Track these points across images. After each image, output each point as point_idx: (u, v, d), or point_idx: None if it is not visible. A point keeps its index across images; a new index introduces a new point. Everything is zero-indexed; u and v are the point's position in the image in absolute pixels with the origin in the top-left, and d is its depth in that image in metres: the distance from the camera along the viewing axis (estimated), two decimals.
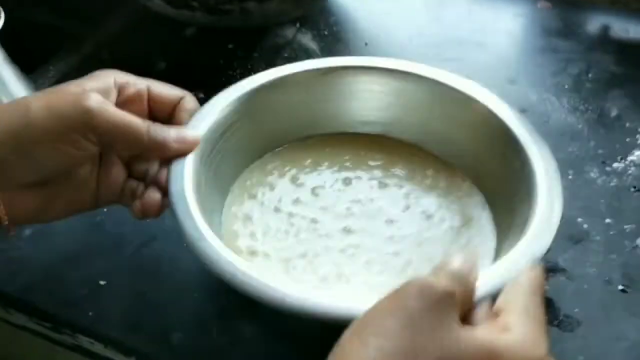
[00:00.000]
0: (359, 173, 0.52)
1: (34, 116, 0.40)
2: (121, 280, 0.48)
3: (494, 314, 0.35)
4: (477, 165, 0.51)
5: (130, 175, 0.46)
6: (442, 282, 0.33)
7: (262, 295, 0.38)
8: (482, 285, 0.37)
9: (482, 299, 0.36)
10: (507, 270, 0.40)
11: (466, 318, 0.34)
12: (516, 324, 0.34)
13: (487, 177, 0.50)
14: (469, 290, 0.35)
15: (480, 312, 0.35)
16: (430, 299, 0.32)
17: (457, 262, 0.35)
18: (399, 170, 0.52)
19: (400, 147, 0.54)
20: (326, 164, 0.53)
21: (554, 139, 0.53)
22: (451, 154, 0.52)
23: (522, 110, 0.59)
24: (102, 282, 0.48)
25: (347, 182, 0.52)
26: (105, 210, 0.51)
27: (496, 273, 0.40)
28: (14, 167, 0.41)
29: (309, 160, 0.53)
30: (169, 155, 0.45)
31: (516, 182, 0.47)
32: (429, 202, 0.50)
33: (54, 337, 0.48)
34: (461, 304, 0.34)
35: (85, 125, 0.41)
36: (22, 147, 0.40)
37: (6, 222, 0.42)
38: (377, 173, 0.52)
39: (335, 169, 0.53)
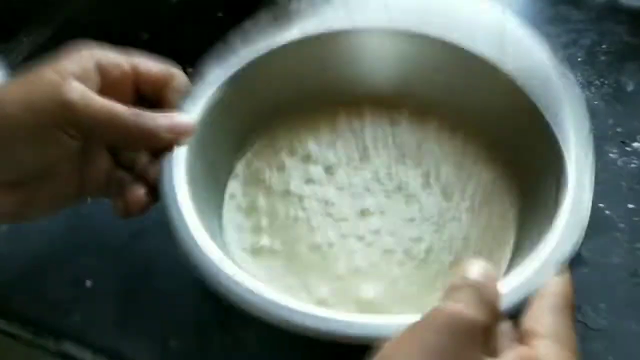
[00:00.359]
0: (376, 146, 0.48)
1: (9, 111, 0.36)
2: (109, 280, 0.44)
3: (520, 337, 0.31)
4: (498, 135, 0.47)
5: (118, 164, 0.42)
6: (471, 312, 0.29)
7: (266, 313, 0.35)
8: (506, 296, 0.33)
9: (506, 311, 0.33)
10: (534, 275, 0.36)
11: (488, 342, 0.30)
12: (546, 353, 0.30)
13: (509, 149, 0.47)
14: (494, 312, 0.31)
15: (504, 336, 0.31)
16: (458, 332, 0.29)
17: (475, 274, 0.31)
18: (416, 143, 0.48)
19: (417, 115, 0.49)
20: (340, 137, 0.49)
21: None
22: (470, 123, 0.48)
23: None
24: (88, 283, 0.44)
25: (364, 157, 0.48)
26: (89, 201, 0.47)
27: (521, 279, 0.35)
28: None
29: (320, 134, 0.49)
30: (162, 146, 0.40)
31: (542, 158, 0.43)
32: (448, 178, 0.47)
33: (38, 343, 0.43)
34: (486, 330, 0.30)
35: (65, 120, 0.37)
36: None
37: None
38: (395, 146, 0.48)
39: (351, 142, 0.48)
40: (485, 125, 0.48)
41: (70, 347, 0.42)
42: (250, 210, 0.45)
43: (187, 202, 0.39)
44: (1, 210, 0.39)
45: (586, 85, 0.58)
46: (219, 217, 0.44)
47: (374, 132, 0.49)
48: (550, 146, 0.42)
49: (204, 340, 0.41)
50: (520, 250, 0.42)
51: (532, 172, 0.44)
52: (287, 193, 0.46)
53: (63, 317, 0.42)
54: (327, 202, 0.45)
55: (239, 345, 0.41)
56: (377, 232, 0.44)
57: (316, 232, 0.44)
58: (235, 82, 0.45)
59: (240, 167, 0.47)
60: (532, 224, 0.42)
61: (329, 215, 0.45)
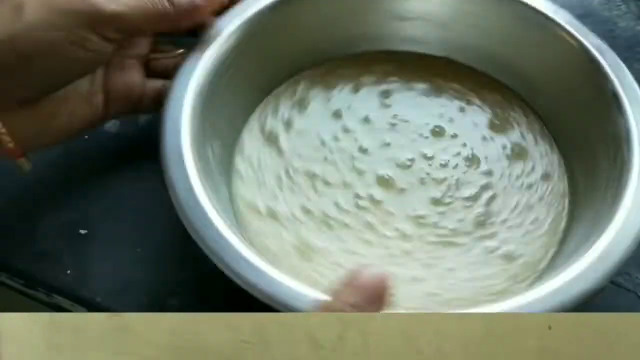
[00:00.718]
0: (408, 113, 0.43)
1: (31, 14, 0.33)
2: (106, 229, 0.40)
3: None
4: (554, 108, 0.42)
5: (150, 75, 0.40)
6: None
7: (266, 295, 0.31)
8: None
9: None
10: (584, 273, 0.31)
11: None
12: None
13: (566, 121, 0.41)
14: None
15: None
16: None
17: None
18: (457, 111, 0.43)
19: (461, 76, 0.44)
20: (369, 95, 0.44)
21: (621, 55, 0.43)
22: (523, 89, 0.44)
23: (583, 17, 0.49)
24: (82, 231, 0.40)
25: (393, 123, 0.43)
26: (86, 136, 0.42)
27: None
28: (12, 78, 0.33)
29: (350, 85, 0.44)
30: (203, 20, 0.38)
31: (602, 143, 0.38)
32: (492, 161, 0.41)
33: (30, 294, 0.40)
34: None
35: (95, 16, 0.34)
36: (21, 53, 0.33)
37: (11, 144, 0.35)
38: (432, 114, 0.43)
39: (378, 102, 0.44)
40: (541, 93, 0.43)
41: (63, 301, 0.39)
42: (270, 140, 0.42)
43: (187, 134, 0.35)
44: (19, 134, 0.35)
45: None
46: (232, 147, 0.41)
47: (408, 93, 0.44)
48: (614, 117, 0.37)
49: (208, 302, 0.37)
50: (570, 238, 0.37)
51: (591, 150, 0.39)
52: (310, 139, 0.42)
53: (54, 271, 0.38)
54: (351, 157, 0.41)
55: (248, 308, 0.37)
56: (389, 213, 0.39)
57: (317, 198, 0.39)
58: (267, 18, 0.41)
59: (265, 106, 0.43)
60: (588, 211, 0.37)
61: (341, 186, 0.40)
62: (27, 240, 0.39)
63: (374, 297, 0.28)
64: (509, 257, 0.37)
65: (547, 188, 0.40)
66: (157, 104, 0.39)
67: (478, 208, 0.39)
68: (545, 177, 0.40)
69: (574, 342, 0.33)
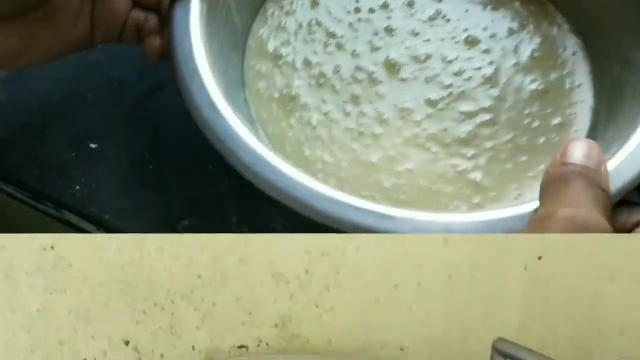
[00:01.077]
0: (455, 14, 0.39)
1: None
2: (117, 143, 0.38)
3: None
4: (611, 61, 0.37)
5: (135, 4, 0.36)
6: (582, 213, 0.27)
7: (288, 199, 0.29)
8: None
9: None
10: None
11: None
12: None
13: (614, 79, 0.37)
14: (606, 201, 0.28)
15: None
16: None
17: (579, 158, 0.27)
18: (505, 31, 0.39)
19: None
20: None
21: None
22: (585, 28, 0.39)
23: None
24: (92, 145, 0.37)
25: (433, 17, 0.39)
26: (100, 45, 0.40)
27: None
28: None
29: None
30: None
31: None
32: (510, 89, 0.37)
33: (39, 208, 0.38)
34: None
35: None
36: None
37: None
38: (478, 24, 0.39)
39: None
40: (604, 38, 0.38)
41: (71, 217, 0.37)
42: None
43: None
44: (1, 50, 0.32)
45: None
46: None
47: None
48: None
49: (220, 223, 0.35)
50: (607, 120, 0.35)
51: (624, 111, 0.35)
52: (348, 2, 0.40)
53: (63, 185, 0.36)
54: (375, 32, 0.39)
55: (263, 230, 0.35)
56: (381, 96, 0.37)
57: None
58: None
59: None
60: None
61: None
62: (36, 153, 0.37)
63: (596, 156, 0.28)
64: (476, 186, 0.34)
65: (555, 137, 0.36)
66: (137, 36, 0.36)
67: (468, 126, 0.36)
68: (562, 126, 0.36)
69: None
